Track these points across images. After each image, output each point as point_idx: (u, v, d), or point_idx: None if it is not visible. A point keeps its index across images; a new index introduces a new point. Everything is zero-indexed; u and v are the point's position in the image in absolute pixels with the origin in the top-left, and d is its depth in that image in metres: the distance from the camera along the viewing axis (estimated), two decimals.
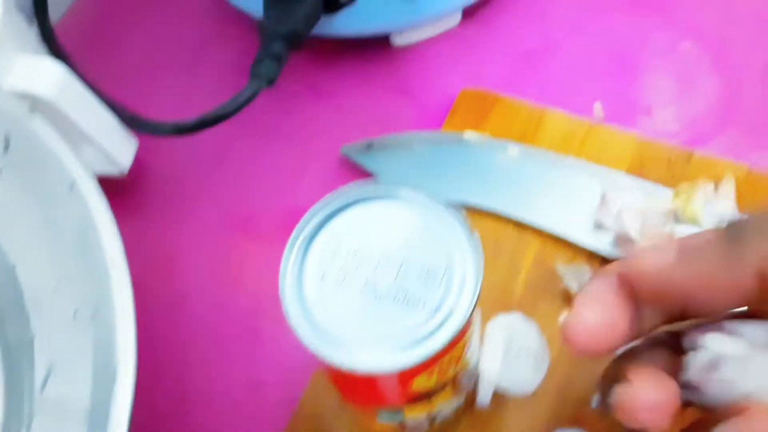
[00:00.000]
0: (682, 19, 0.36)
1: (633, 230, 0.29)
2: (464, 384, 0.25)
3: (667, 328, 0.21)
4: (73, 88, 0.29)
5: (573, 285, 0.29)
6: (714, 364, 0.19)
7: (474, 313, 0.20)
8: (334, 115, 0.36)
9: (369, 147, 0.34)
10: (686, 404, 0.20)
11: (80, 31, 0.40)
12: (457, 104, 0.35)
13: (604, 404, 0.21)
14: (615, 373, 0.21)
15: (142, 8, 0.40)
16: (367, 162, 0.34)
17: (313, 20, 0.32)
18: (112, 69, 0.37)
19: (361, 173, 0.34)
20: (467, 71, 0.37)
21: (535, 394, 0.24)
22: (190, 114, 0.33)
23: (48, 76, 0.28)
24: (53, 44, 0.34)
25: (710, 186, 0.30)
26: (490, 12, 0.37)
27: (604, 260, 0.30)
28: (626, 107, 0.35)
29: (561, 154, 0.33)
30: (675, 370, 0.20)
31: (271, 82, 0.31)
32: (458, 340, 0.21)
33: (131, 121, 0.32)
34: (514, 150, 0.33)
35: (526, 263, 0.31)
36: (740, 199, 0.30)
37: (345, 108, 0.36)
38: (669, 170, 0.32)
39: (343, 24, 0.34)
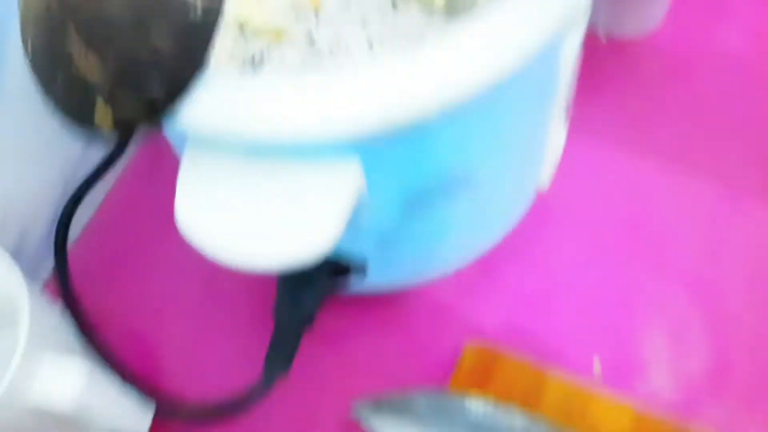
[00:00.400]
0: (677, 272, 0.38)
1: None
2: None
3: None
4: (96, 387, 0.30)
5: None
6: None
7: None
8: (342, 366, 0.37)
9: (377, 406, 0.35)
10: None
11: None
12: (462, 360, 0.36)
13: None
14: None
15: (149, 254, 0.41)
16: (376, 424, 0.35)
17: (324, 299, 0.34)
18: (120, 312, 0.38)
19: None
20: (472, 318, 0.38)
21: None
22: (200, 371, 0.34)
23: (70, 391, 0.29)
24: (74, 311, 0.35)
25: None
26: (493, 259, 0.38)
27: None
28: (623, 363, 0.36)
29: (563, 425, 0.34)
30: None
31: (285, 372, 0.32)
32: None
33: (149, 401, 0.33)
34: (517, 422, 0.34)
35: None
36: None
37: (352, 358, 0.38)
38: None
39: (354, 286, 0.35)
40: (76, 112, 0.24)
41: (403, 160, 0.27)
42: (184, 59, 0.23)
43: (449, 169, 0.28)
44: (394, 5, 0.34)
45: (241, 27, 0.34)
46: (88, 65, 0.23)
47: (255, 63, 0.34)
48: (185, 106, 0.24)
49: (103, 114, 0.24)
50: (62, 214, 0.36)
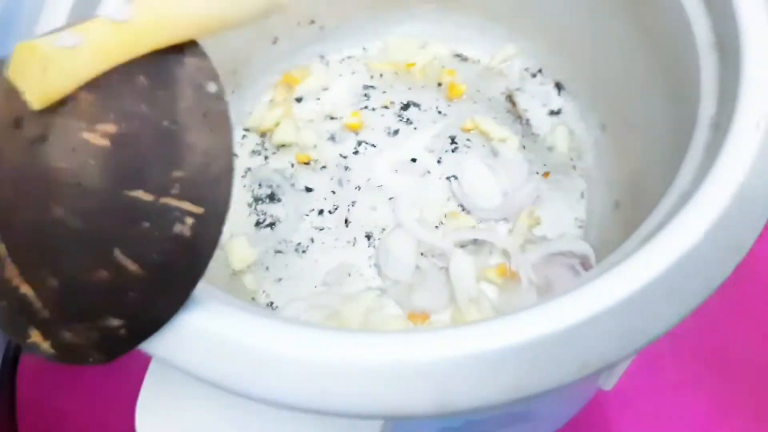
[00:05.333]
0: None
1: None
2: None
3: None
4: None
5: None
6: None
7: None
8: None
9: None
10: None
11: None
12: None
13: None
14: None
15: None
16: None
17: None
18: None
19: None
20: None
21: None
22: None
23: None
24: None
25: None
26: None
27: None
28: None
29: None
30: None
31: None
32: None
33: None
34: None
35: None
36: None
37: None
38: None
39: None
40: (11, 328, 0.18)
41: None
42: (160, 287, 0.16)
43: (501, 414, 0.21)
44: None
45: None
46: (24, 286, 0.17)
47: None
48: (157, 338, 0.17)
49: (39, 337, 0.17)
50: None
